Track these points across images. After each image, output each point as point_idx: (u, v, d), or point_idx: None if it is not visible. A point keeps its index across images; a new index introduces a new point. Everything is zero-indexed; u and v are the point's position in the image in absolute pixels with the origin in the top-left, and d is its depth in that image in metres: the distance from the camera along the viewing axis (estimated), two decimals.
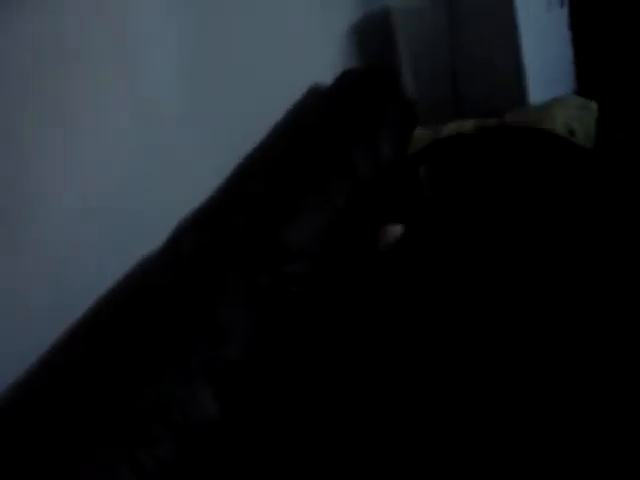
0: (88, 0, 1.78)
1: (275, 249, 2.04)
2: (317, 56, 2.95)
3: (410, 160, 2.51)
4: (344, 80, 2.92)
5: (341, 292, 2.00)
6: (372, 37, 3.35)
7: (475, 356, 1.73)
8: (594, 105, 2.74)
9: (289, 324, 1.90)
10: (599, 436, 1.52)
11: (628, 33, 3.61)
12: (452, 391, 1.67)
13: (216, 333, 1.74)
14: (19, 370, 1.55)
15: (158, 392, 1.57)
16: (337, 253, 2.17)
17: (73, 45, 1.74)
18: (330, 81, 2.92)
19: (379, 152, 2.61)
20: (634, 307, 1.77)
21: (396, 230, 2.19)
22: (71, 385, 1.53)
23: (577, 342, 1.70)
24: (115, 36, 1.88)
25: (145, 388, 1.56)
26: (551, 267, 1.90)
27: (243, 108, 2.35)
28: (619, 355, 1.66)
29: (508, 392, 1.64)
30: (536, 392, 1.62)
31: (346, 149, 2.49)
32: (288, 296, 1.95)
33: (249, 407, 1.70)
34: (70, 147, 1.73)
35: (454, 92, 3.38)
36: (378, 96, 2.83)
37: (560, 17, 3.41)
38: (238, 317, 1.81)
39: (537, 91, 3.16)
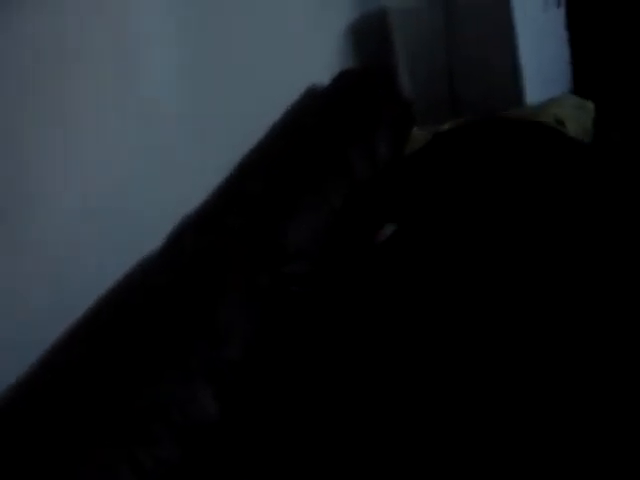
0: (88, 0, 1.78)
1: (274, 249, 2.04)
2: (314, 56, 2.96)
3: (410, 159, 2.51)
4: (341, 80, 2.92)
5: (340, 292, 2.00)
6: (369, 37, 3.36)
7: (474, 353, 1.73)
8: (591, 105, 2.75)
9: (289, 324, 1.90)
10: (599, 436, 1.52)
11: (625, 33, 3.62)
12: (451, 387, 1.67)
13: (216, 333, 1.74)
14: (19, 370, 1.54)
15: (158, 392, 1.57)
16: (335, 253, 2.17)
17: (73, 45, 1.74)
18: (327, 81, 2.92)
19: (376, 152, 2.62)
20: (630, 299, 1.77)
21: (392, 231, 2.19)
22: (71, 385, 1.53)
23: (574, 337, 1.70)
24: (115, 36, 1.88)
25: (145, 388, 1.56)
26: (547, 260, 1.90)
27: (242, 108, 2.35)
28: (619, 352, 1.66)
29: (504, 387, 1.64)
30: (534, 387, 1.62)
31: (343, 149, 2.50)
32: (288, 296, 1.96)
33: (249, 407, 1.70)
34: (70, 147, 1.73)
35: (451, 92, 3.39)
36: (375, 96, 2.84)
37: (557, 17, 3.41)
38: (238, 317, 1.81)
39: (534, 91, 3.16)
